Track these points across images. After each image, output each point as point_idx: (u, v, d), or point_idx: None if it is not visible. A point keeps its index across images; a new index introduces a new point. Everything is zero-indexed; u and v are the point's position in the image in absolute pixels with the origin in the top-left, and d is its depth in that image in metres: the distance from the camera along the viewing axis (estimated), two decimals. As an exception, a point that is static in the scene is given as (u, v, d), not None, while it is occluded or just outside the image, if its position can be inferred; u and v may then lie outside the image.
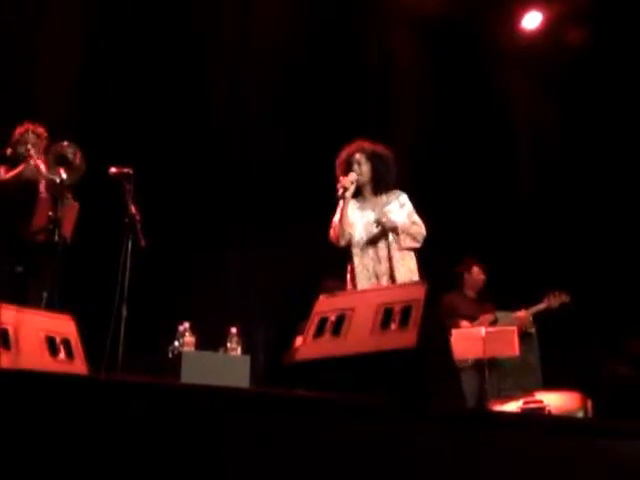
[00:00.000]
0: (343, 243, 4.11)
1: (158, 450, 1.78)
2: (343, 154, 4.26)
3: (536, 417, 4.11)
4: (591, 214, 6.88)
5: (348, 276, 4.13)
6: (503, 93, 7.48)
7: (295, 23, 6.74)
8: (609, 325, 6.15)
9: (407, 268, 4.05)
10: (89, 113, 5.80)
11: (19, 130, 4.36)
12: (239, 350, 5.08)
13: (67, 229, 4.05)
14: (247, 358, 5.03)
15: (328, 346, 2.59)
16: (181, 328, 4.97)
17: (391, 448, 2.02)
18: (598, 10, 6.91)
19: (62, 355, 2.83)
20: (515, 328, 5.37)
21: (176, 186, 5.91)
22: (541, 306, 5.74)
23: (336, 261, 4.29)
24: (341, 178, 4.15)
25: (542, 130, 7.54)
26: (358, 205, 4.20)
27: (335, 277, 4.38)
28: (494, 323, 5.67)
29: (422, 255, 4.23)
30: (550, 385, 5.42)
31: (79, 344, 2.92)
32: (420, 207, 4.35)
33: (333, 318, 2.65)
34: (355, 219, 4.15)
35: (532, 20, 7.31)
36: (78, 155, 3.98)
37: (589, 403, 5.01)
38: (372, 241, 4.10)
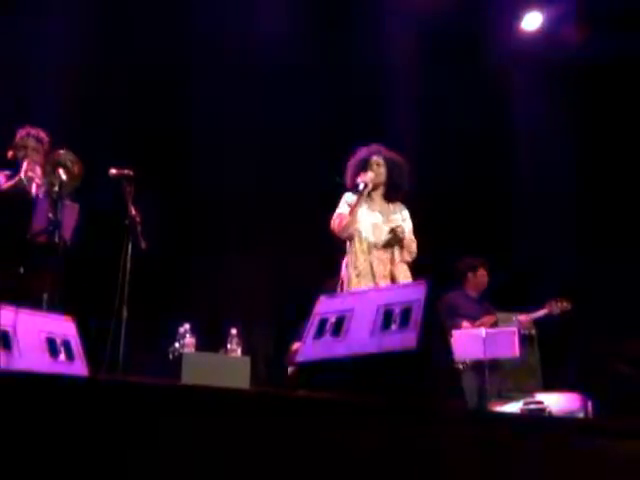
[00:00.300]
0: (346, 236, 4.16)
1: (159, 450, 1.78)
2: (361, 153, 4.35)
3: (536, 418, 4.11)
4: (592, 213, 6.89)
5: (346, 269, 4.13)
6: (503, 93, 7.48)
7: (295, 22, 6.74)
8: (609, 325, 6.15)
9: (404, 276, 4.14)
10: (89, 114, 5.80)
11: (20, 134, 4.36)
12: (239, 351, 5.09)
13: (67, 231, 4.04)
14: (247, 359, 5.03)
15: (328, 347, 2.59)
16: (181, 329, 4.97)
17: (392, 449, 2.02)
18: (598, 11, 6.92)
19: (62, 356, 2.83)
20: (515, 329, 5.37)
21: (176, 187, 5.91)
22: (542, 312, 5.75)
23: (336, 262, 4.29)
24: (362, 173, 4.23)
25: (542, 130, 7.55)
26: (366, 205, 4.25)
27: (336, 278, 4.38)
28: (495, 324, 5.67)
29: (424, 254, 4.27)
30: (550, 386, 5.43)
31: (79, 345, 2.92)
32: (421, 208, 4.37)
33: (333, 319, 2.65)
34: (361, 217, 4.20)
35: (532, 21, 7.31)
36: (75, 162, 3.98)
37: (589, 404, 5.01)
38: (379, 244, 4.16)
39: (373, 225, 4.21)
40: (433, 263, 4.35)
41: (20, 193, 4.11)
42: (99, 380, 2.24)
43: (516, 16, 7.35)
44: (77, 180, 3.98)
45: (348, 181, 4.34)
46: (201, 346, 4.98)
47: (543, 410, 4.89)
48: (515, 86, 7.51)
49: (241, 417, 1.89)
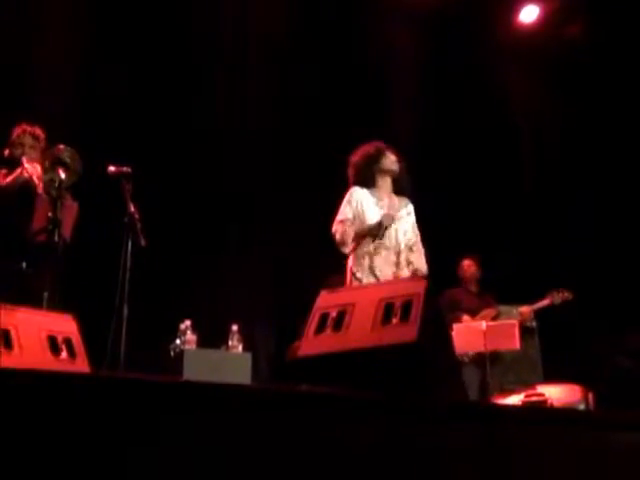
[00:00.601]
0: (346, 252, 4.12)
1: (161, 447, 1.78)
2: (370, 149, 4.29)
3: (538, 410, 4.11)
4: (593, 207, 6.88)
5: (352, 267, 4.10)
6: (502, 87, 7.48)
7: (294, 21, 6.74)
8: (610, 317, 6.16)
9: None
10: (88, 111, 5.80)
11: (16, 132, 4.35)
12: (240, 347, 5.09)
13: (67, 229, 4.04)
14: (248, 355, 5.04)
15: (329, 342, 2.60)
16: (182, 326, 4.98)
17: (393, 442, 2.03)
18: (595, 2, 6.91)
19: (64, 354, 2.83)
20: (516, 322, 5.39)
21: (176, 184, 5.91)
22: (544, 302, 5.77)
23: (337, 258, 4.28)
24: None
25: (542, 123, 7.54)
26: (375, 201, 4.21)
27: (339, 273, 4.37)
28: (496, 317, 5.69)
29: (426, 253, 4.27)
30: (551, 378, 5.44)
31: (81, 343, 2.93)
32: (423, 204, 4.37)
33: (334, 314, 2.65)
34: (372, 214, 4.15)
35: (529, 14, 7.31)
36: (75, 158, 3.97)
37: (590, 396, 5.02)
38: (386, 244, 4.13)
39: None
40: (433, 263, 4.34)
41: (19, 190, 4.10)
42: (101, 377, 2.25)
43: (514, 10, 7.34)
44: (76, 176, 3.97)
45: (356, 175, 4.28)
46: (202, 342, 4.99)
47: (544, 402, 4.90)
48: (514, 80, 7.50)
49: (242, 413, 1.90)
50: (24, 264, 4.07)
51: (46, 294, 3.72)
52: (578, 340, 6.25)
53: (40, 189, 4.01)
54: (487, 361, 5.25)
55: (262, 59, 6.70)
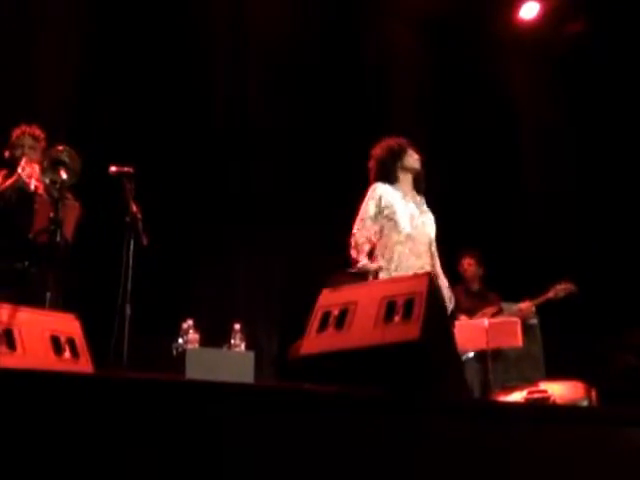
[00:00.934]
0: (360, 265, 4.09)
1: (164, 446, 1.78)
2: (393, 144, 4.27)
3: (541, 407, 4.12)
4: (596, 204, 6.89)
5: (377, 261, 4.09)
6: (503, 84, 7.48)
7: (294, 21, 6.74)
8: (613, 314, 6.16)
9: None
10: (89, 111, 5.80)
11: (15, 133, 4.35)
12: (243, 346, 5.10)
13: (68, 229, 4.05)
14: (251, 354, 5.04)
15: (332, 340, 2.59)
16: (185, 325, 4.98)
17: (396, 440, 2.03)
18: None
19: (67, 354, 2.83)
20: (518, 319, 5.38)
21: (178, 183, 5.91)
22: (547, 295, 5.75)
23: (342, 257, 4.27)
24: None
25: (544, 120, 7.54)
26: (400, 195, 4.19)
27: (344, 271, 4.36)
28: (498, 314, 5.68)
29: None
30: (554, 375, 5.43)
31: (84, 343, 2.93)
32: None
33: (336, 312, 2.65)
34: (400, 208, 4.13)
35: (530, 10, 7.30)
36: (74, 158, 3.97)
37: (593, 392, 5.01)
38: (417, 237, 4.14)
39: (410, 217, 4.14)
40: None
41: (19, 191, 4.11)
42: (104, 377, 2.25)
43: (514, 6, 7.33)
44: (76, 176, 3.97)
45: (378, 169, 4.24)
46: (205, 341, 4.99)
47: (547, 399, 4.90)
48: (515, 77, 7.50)
49: (245, 411, 1.90)
50: (27, 264, 4.08)
51: (49, 294, 3.73)
52: (580, 337, 6.25)
53: (40, 189, 4.02)
54: (489, 358, 5.24)
55: (262, 59, 6.69)
